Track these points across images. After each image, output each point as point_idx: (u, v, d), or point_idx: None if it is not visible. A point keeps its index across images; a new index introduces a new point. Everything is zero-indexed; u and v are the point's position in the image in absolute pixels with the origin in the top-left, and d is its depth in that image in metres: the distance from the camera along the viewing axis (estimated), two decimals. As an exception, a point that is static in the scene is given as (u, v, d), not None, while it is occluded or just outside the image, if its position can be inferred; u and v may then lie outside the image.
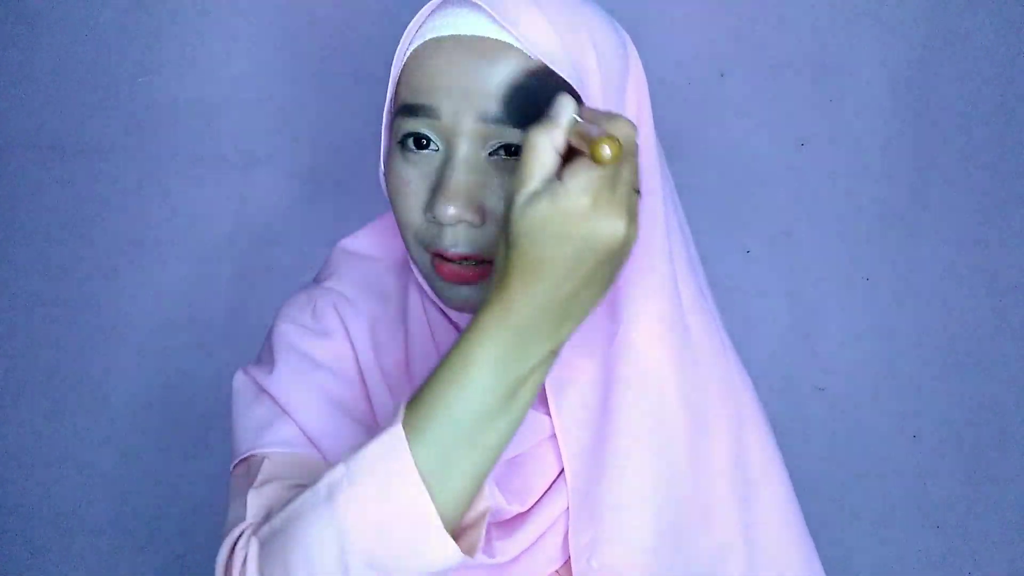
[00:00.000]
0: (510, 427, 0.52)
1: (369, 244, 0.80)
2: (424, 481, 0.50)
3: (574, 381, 0.65)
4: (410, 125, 0.62)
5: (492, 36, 0.60)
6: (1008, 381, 1.43)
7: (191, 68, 1.40)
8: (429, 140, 0.62)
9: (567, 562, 0.67)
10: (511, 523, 0.66)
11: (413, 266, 0.69)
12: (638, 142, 0.60)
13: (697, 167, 1.38)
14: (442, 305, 0.68)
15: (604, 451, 0.64)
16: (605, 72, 0.64)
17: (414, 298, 0.72)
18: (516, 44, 0.61)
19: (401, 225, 0.65)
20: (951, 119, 1.41)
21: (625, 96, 0.66)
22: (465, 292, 0.63)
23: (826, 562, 0.73)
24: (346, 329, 0.73)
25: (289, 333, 0.73)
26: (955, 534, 1.44)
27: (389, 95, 0.66)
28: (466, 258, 0.62)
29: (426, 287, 0.69)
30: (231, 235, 1.42)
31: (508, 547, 0.64)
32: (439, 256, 0.62)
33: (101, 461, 1.43)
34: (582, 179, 0.47)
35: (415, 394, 0.53)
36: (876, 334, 1.44)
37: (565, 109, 0.49)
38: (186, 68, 1.40)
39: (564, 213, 0.47)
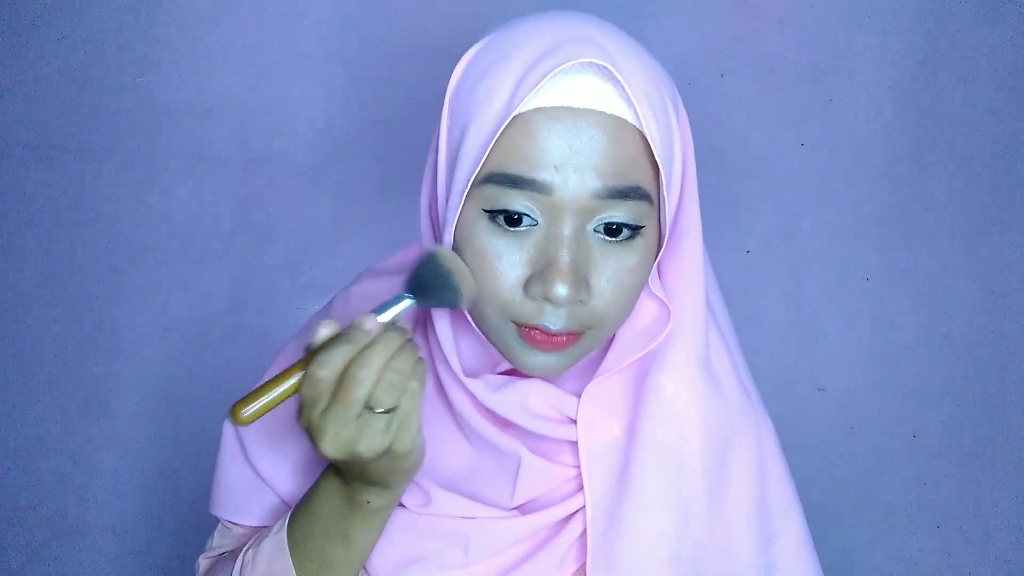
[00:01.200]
0: (349, 556, 0.65)
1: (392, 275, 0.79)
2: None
3: (604, 418, 0.67)
4: (510, 198, 0.59)
5: (607, 110, 0.58)
6: (1008, 381, 1.43)
7: (191, 68, 1.40)
8: (523, 216, 0.59)
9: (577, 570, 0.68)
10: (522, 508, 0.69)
11: (477, 330, 0.65)
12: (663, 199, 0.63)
13: (697, 167, 1.38)
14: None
15: (625, 491, 0.65)
16: (681, 129, 0.65)
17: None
18: (631, 120, 0.59)
19: (484, 298, 0.61)
20: (951, 119, 1.41)
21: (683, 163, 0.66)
22: (547, 360, 0.62)
23: (826, 562, 0.73)
24: None
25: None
26: (955, 534, 1.44)
27: (473, 159, 0.59)
28: (567, 334, 0.61)
29: (476, 348, 0.69)
30: (231, 235, 1.42)
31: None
32: (533, 328, 0.61)
33: (101, 461, 1.43)
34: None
35: (296, 508, 0.68)
36: (876, 334, 1.44)
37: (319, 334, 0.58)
38: (186, 68, 1.40)
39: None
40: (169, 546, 1.44)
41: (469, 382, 0.66)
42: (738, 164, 1.41)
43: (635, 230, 0.61)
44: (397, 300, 0.60)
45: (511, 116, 0.58)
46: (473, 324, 0.64)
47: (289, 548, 0.66)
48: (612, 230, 0.60)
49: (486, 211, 0.59)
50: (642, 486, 0.65)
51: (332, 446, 0.56)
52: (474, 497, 0.68)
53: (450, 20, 1.41)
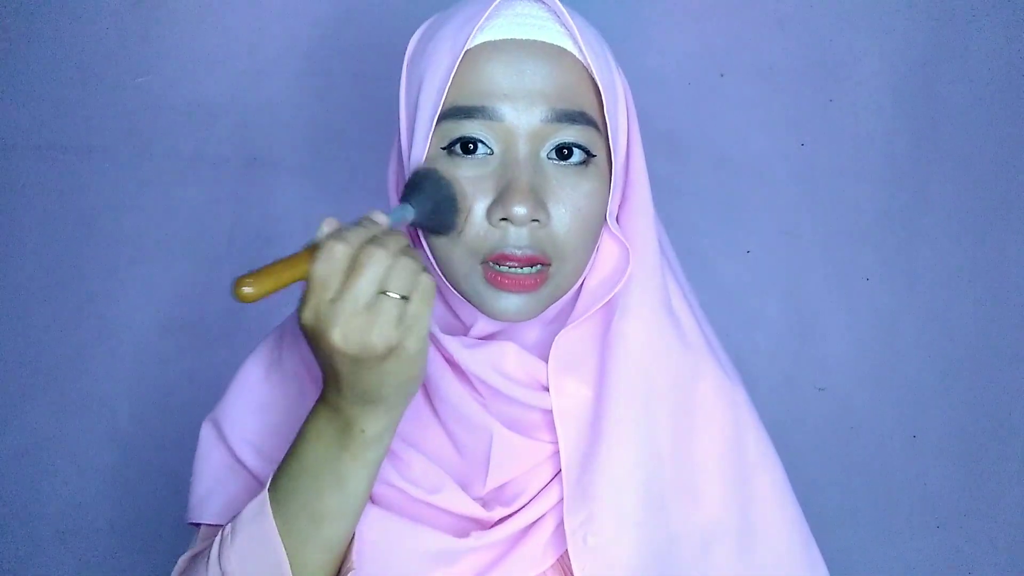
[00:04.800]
0: (343, 506, 0.59)
1: None
2: (283, 543, 0.59)
3: (574, 367, 0.68)
4: (464, 128, 0.63)
5: (549, 40, 0.63)
6: (1008, 381, 1.43)
7: (191, 68, 1.40)
8: (479, 143, 0.63)
9: (555, 563, 0.68)
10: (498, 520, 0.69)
11: (442, 283, 0.68)
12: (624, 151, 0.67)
13: (697, 167, 1.38)
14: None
15: (598, 433, 0.67)
16: (623, 85, 0.68)
17: None
18: (572, 51, 0.64)
19: (451, 240, 0.64)
20: (951, 119, 1.41)
21: (626, 109, 0.70)
22: (516, 302, 0.64)
23: (826, 562, 0.73)
24: (308, 369, 0.75)
25: (253, 374, 0.78)
26: (955, 534, 1.44)
27: (433, 100, 0.64)
28: (532, 260, 0.63)
29: (453, 305, 0.69)
30: (231, 235, 1.42)
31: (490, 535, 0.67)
32: (498, 262, 0.63)
33: (101, 461, 1.43)
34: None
35: (279, 466, 0.61)
36: (876, 334, 1.44)
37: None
38: (186, 68, 1.40)
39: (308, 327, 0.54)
40: (169, 546, 1.43)
41: (445, 338, 0.67)
42: (738, 164, 1.41)
43: (587, 155, 0.64)
44: (400, 210, 0.59)
45: (462, 52, 0.62)
46: (443, 279, 0.67)
47: (273, 510, 0.60)
48: (564, 153, 0.64)
49: (444, 148, 0.63)
50: (614, 434, 0.66)
51: (342, 334, 0.52)
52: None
53: (450, 20, 1.41)
